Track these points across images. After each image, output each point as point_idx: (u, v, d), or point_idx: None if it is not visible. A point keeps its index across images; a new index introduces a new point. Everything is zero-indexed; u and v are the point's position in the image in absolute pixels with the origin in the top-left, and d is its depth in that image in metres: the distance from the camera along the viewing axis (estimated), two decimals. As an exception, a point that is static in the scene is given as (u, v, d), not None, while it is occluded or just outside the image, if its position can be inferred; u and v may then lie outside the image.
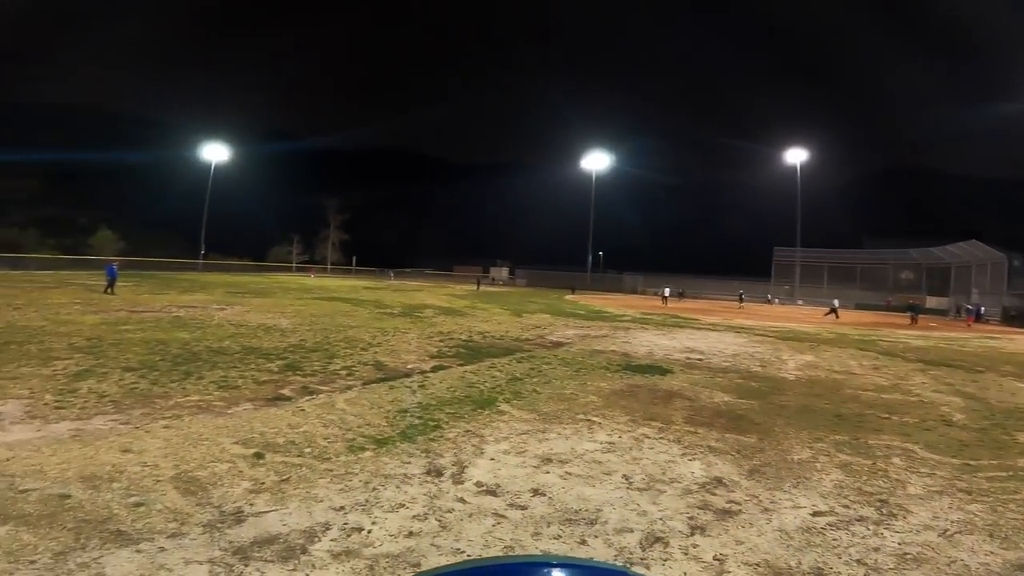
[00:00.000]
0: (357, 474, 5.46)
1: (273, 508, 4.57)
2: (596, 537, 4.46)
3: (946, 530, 4.94)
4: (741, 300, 51.52)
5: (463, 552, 4.08)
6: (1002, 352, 21.13)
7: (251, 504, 4.61)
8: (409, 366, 11.56)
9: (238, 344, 12.75)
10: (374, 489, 5.11)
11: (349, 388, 9.28)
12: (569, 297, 48.94)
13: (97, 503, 4.45)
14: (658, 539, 4.49)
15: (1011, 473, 6.59)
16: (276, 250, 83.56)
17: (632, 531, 4.60)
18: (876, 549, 4.54)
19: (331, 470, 5.52)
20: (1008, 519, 5.19)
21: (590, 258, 74.80)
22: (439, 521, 4.55)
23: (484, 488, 5.32)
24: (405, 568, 3.80)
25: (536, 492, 5.29)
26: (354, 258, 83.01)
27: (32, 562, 3.58)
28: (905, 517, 5.19)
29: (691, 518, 4.93)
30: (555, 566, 1.33)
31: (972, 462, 6.96)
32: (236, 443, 6.11)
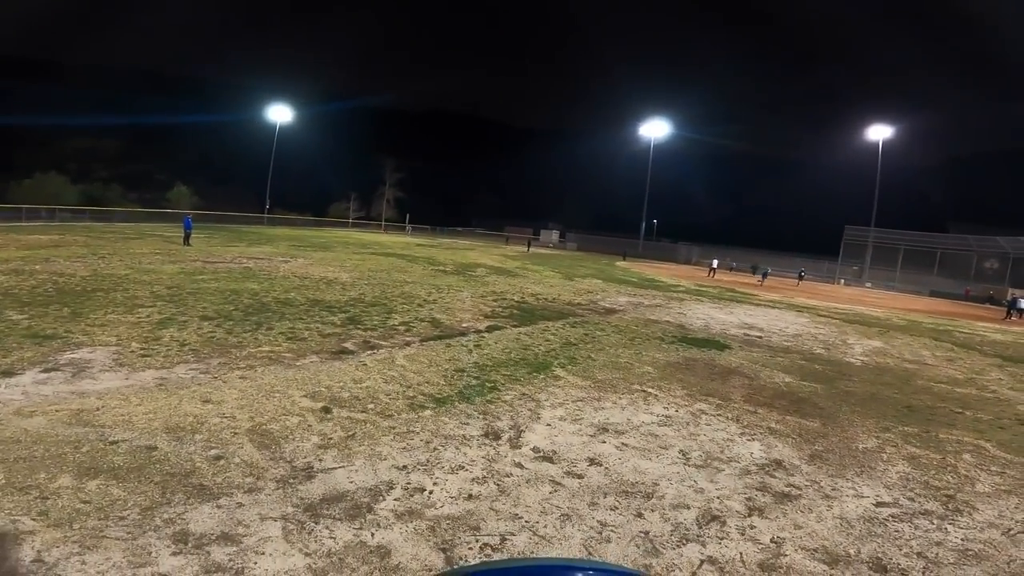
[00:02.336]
0: (418, 433, 5.65)
1: (340, 465, 4.79)
2: (653, 511, 4.49)
3: (1010, 529, 4.83)
4: (800, 278, 48.94)
5: (521, 518, 4.19)
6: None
7: (320, 460, 4.84)
8: (464, 325, 11.77)
9: (303, 296, 13.27)
10: (435, 449, 5.29)
11: (407, 344, 9.55)
12: (620, 264, 48.25)
13: (181, 456, 4.67)
14: (715, 517, 4.49)
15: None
16: (335, 206, 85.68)
17: (689, 508, 4.62)
18: (938, 544, 4.45)
19: (393, 428, 5.73)
20: (1080, 524, 4.95)
21: (643, 225, 72.93)
22: (498, 485, 4.68)
23: (541, 454, 5.43)
24: (465, 531, 3.94)
25: (592, 461, 5.36)
26: (408, 215, 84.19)
27: (122, 518, 3.68)
28: (971, 514, 5.06)
29: (749, 499, 4.90)
30: (576, 569, 1.34)
31: (1045, 463, 6.65)
32: (305, 396, 6.42)
